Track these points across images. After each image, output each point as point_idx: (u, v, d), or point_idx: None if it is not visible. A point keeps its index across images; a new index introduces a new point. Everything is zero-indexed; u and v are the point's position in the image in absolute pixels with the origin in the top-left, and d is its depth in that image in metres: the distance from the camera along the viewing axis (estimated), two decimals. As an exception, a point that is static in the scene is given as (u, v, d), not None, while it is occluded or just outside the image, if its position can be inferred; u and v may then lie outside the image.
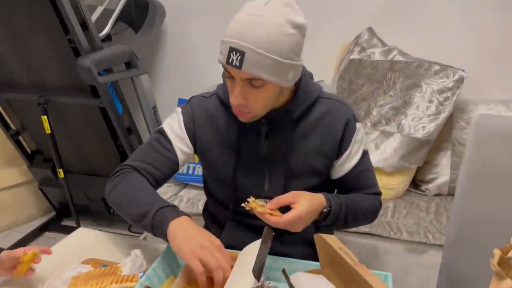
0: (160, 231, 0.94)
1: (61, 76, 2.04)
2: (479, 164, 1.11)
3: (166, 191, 2.14)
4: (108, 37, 2.09)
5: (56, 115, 2.19)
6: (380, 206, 1.19)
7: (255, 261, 0.85)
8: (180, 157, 1.12)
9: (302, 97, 1.07)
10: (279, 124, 1.07)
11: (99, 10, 2.14)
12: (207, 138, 1.12)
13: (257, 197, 1.06)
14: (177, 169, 1.15)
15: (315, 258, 0.97)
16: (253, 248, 0.93)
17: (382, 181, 1.95)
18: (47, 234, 2.65)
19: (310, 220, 0.97)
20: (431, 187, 2.03)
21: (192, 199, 2.06)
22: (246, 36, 0.89)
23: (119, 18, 2.17)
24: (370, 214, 1.16)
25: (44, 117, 2.10)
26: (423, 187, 2.07)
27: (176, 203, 2.04)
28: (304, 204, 0.95)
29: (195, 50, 2.46)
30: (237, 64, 0.90)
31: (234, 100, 0.97)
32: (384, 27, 2.13)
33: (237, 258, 0.94)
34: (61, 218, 2.78)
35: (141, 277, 0.95)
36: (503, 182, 1.09)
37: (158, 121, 2.30)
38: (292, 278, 0.90)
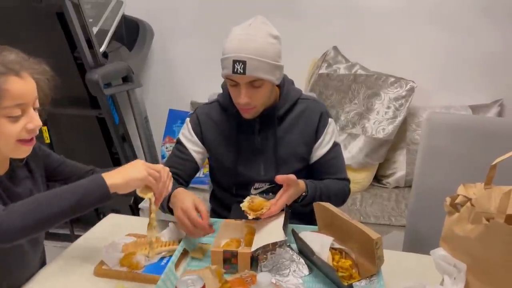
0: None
1: (63, 89, 2.21)
2: (430, 149, 1.46)
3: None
4: (104, 55, 2.31)
5: (55, 125, 2.36)
6: (348, 192, 1.42)
7: (283, 222, 1.12)
8: (196, 156, 1.41)
9: (285, 98, 1.36)
10: (268, 121, 1.36)
11: (94, 30, 2.36)
12: (211, 137, 1.40)
13: (256, 181, 1.37)
14: (198, 167, 1.43)
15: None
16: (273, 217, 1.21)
17: (350, 176, 2.22)
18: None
19: (290, 201, 1.22)
20: (391, 180, 2.38)
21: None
22: (243, 49, 1.19)
23: (113, 37, 2.40)
24: (340, 197, 1.39)
25: (44, 128, 2.28)
26: (384, 181, 2.42)
27: (170, 202, 2.27)
28: (290, 192, 1.20)
29: (180, 67, 2.71)
30: (241, 71, 1.19)
31: (242, 100, 1.24)
32: (347, 46, 2.47)
33: (260, 221, 1.20)
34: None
35: (178, 243, 1.20)
36: (448, 161, 1.43)
37: (149, 130, 2.53)
38: (300, 235, 1.18)
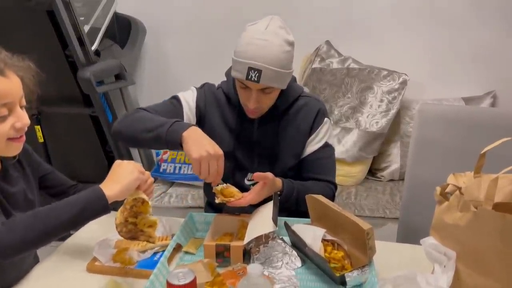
0: (174, 136, 1.13)
1: (55, 88, 2.21)
2: (422, 141, 1.46)
3: (155, 190, 2.35)
4: (97, 53, 2.30)
5: (48, 125, 2.35)
6: (332, 196, 1.37)
7: (272, 213, 1.12)
8: (185, 119, 1.34)
9: (286, 95, 1.35)
10: (268, 117, 1.36)
11: (86, 28, 2.35)
12: (213, 118, 1.38)
13: (250, 170, 1.36)
14: None
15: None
16: (264, 207, 1.21)
17: (345, 170, 2.30)
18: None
19: (261, 199, 1.23)
20: (385, 173, 2.39)
21: (180, 195, 2.30)
22: (259, 57, 1.17)
23: (105, 35, 2.39)
24: None
25: (38, 127, 2.27)
26: (379, 174, 2.42)
27: (165, 199, 2.27)
28: (264, 191, 1.22)
29: (172, 64, 2.71)
30: (256, 79, 1.18)
31: (252, 105, 1.25)
32: (339, 40, 2.47)
33: (252, 215, 1.21)
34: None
35: (171, 238, 1.20)
36: (440, 152, 1.43)
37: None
38: (293, 228, 1.18)
